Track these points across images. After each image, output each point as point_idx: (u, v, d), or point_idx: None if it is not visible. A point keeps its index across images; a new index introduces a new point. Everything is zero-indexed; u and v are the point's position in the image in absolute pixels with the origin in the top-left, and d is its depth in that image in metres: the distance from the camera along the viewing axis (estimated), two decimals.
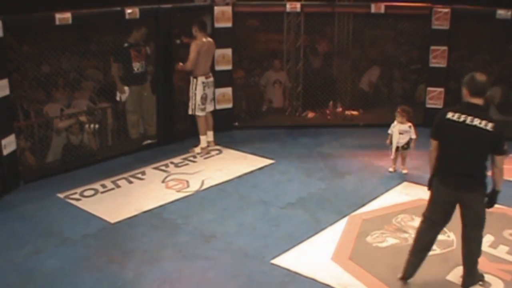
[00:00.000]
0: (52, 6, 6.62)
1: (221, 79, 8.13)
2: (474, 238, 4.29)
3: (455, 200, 4.21)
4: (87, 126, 7.30)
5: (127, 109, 7.85)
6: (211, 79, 7.53)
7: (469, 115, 4.06)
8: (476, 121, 4.01)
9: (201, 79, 7.34)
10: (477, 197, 4.18)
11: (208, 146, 7.62)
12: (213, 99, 7.78)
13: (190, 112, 7.51)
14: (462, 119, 4.07)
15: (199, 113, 7.44)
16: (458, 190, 4.16)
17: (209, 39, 7.49)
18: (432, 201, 4.37)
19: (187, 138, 7.91)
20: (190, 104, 7.45)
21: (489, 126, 3.99)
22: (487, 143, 4.03)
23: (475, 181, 4.15)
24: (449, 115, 4.13)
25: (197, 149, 7.53)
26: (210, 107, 7.66)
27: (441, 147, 4.25)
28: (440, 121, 4.20)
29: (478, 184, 4.16)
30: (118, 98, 7.75)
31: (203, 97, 7.40)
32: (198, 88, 7.34)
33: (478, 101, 4.11)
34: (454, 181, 4.17)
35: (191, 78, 7.38)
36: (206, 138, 7.59)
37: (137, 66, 7.71)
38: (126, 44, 7.63)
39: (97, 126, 7.47)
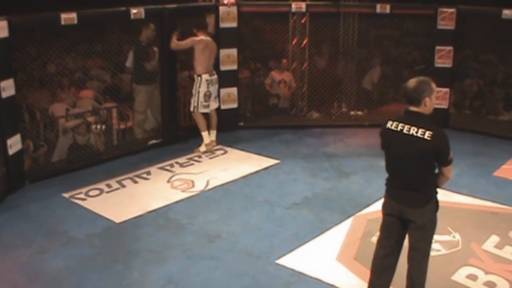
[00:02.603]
0: (57, 6, 6.63)
1: (226, 79, 8.13)
2: (414, 264, 3.92)
3: (399, 214, 3.86)
4: (93, 126, 7.32)
5: (136, 109, 7.88)
6: (215, 76, 7.56)
7: (406, 123, 3.74)
8: (413, 130, 3.68)
9: (205, 76, 7.37)
10: (422, 215, 3.79)
11: (211, 142, 7.63)
12: (217, 96, 7.79)
13: (191, 109, 7.54)
14: (399, 128, 3.76)
15: (202, 110, 7.46)
16: (401, 203, 3.83)
17: (209, 38, 7.53)
18: (382, 215, 4.02)
19: (192, 138, 7.91)
20: (192, 101, 7.48)
21: (427, 135, 3.63)
22: (427, 154, 3.67)
23: (419, 195, 3.77)
24: (389, 124, 3.84)
25: (202, 148, 7.54)
26: (214, 105, 7.67)
27: (385, 157, 3.96)
28: (382, 130, 3.91)
29: (423, 200, 3.78)
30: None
31: (207, 95, 7.43)
32: (202, 85, 7.37)
33: (416, 108, 3.74)
34: (396, 194, 3.86)
35: (196, 76, 7.43)
36: (208, 134, 7.60)
37: (149, 66, 7.73)
38: (143, 43, 7.67)
39: (103, 126, 7.48)
